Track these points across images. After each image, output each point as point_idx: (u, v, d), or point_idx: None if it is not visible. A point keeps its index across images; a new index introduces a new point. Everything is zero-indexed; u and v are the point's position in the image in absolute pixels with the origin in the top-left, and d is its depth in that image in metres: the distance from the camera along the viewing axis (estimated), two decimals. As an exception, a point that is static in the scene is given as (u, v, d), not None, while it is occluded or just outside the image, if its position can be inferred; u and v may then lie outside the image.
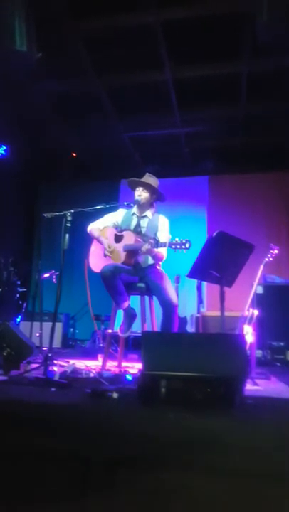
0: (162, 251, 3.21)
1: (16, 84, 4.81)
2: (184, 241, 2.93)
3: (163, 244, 3.03)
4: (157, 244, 3.05)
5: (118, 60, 4.64)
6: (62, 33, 4.15)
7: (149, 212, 3.46)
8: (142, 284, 3.29)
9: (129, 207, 3.50)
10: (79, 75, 4.88)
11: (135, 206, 3.48)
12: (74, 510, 1.10)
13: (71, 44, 4.32)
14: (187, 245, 2.91)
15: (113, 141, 6.50)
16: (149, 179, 3.43)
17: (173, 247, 2.95)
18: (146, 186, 3.42)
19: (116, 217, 3.52)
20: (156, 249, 3.08)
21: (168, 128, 6.05)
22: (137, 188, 3.43)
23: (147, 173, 3.50)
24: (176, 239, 2.96)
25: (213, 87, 5.07)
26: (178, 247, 2.93)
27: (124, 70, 4.83)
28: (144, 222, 3.45)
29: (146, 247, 3.05)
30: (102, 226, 3.47)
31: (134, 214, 3.49)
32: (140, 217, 3.47)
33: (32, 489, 1.20)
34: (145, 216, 3.46)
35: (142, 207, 3.44)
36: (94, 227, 3.48)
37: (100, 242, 3.41)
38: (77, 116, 5.84)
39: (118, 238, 3.36)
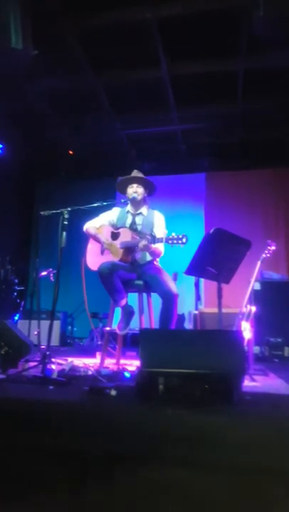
0: (160, 247, 3.21)
1: (12, 82, 4.78)
2: (180, 236, 2.92)
3: (160, 240, 3.02)
4: (154, 240, 3.05)
5: (114, 57, 4.62)
6: (58, 30, 4.13)
7: (144, 209, 3.46)
8: (139, 282, 3.28)
9: (126, 204, 3.50)
10: (75, 73, 4.86)
11: (129, 204, 3.47)
12: (72, 506, 1.10)
13: (67, 41, 4.30)
14: (184, 240, 2.90)
15: (110, 139, 6.49)
16: (139, 174, 3.46)
17: (170, 242, 2.95)
18: (140, 181, 3.42)
19: (111, 215, 3.51)
20: (153, 245, 3.07)
21: (165, 125, 6.05)
22: (131, 185, 3.43)
23: (135, 170, 3.50)
24: (173, 234, 2.95)
25: (210, 84, 5.06)
26: (175, 242, 2.93)
27: (121, 67, 4.81)
28: (139, 220, 3.44)
29: (143, 243, 3.05)
30: (99, 225, 3.47)
31: (128, 212, 3.48)
32: (135, 215, 3.46)
33: (31, 485, 1.21)
34: (140, 213, 3.45)
35: (137, 204, 3.44)
36: (90, 225, 3.47)
37: (96, 239, 3.41)
38: (74, 114, 5.82)
39: (115, 236, 3.36)
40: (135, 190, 3.40)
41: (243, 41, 4.23)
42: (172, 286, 3.12)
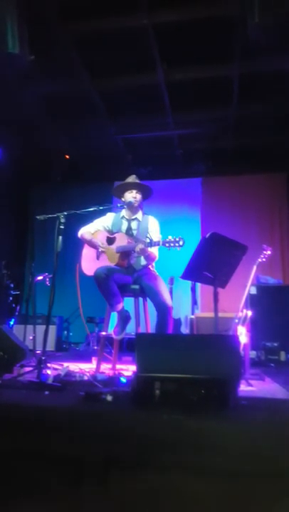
0: (154, 251, 3.22)
1: (7, 87, 4.79)
2: (177, 238, 2.93)
3: (156, 243, 3.03)
4: (151, 243, 3.06)
5: (111, 62, 4.64)
6: (54, 35, 4.14)
7: (139, 214, 3.46)
8: (135, 286, 3.27)
9: (121, 209, 3.50)
10: (71, 77, 4.87)
11: (124, 209, 3.47)
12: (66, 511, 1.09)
13: (63, 46, 4.31)
14: (181, 242, 2.92)
15: (106, 143, 6.50)
16: (137, 180, 3.47)
17: (166, 245, 2.96)
18: (140, 188, 3.43)
19: (106, 221, 3.51)
20: (149, 249, 3.08)
21: (161, 130, 6.07)
22: (131, 190, 3.43)
23: (133, 175, 3.51)
24: (170, 237, 2.96)
25: (205, 90, 5.09)
26: (171, 244, 2.94)
27: (117, 72, 4.83)
28: (134, 225, 3.44)
29: (140, 246, 3.05)
30: (94, 230, 3.47)
31: (123, 217, 3.48)
32: (130, 220, 3.46)
33: (25, 491, 1.19)
34: (135, 218, 3.46)
35: (133, 209, 3.44)
36: (85, 231, 3.47)
37: (92, 244, 3.40)
38: (70, 119, 5.83)
39: (110, 241, 3.35)
40: (134, 196, 3.40)
41: (238, 47, 4.26)
42: (167, 297, 3.13)
